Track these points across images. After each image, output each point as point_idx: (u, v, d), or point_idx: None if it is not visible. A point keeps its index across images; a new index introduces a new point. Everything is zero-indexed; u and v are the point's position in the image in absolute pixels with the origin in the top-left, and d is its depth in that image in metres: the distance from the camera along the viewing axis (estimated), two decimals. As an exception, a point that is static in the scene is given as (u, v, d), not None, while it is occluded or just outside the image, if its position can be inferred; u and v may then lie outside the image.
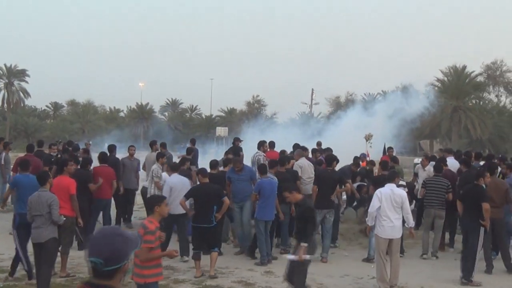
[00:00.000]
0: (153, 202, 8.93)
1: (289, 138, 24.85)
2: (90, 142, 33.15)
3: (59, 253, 12.17)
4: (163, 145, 20.08)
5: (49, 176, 11.35)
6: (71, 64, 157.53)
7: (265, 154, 18.00)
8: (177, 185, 14.27)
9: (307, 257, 10.15)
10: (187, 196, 12.95)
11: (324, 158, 17.71)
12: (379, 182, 14.60)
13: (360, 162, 19.47)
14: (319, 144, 22.18)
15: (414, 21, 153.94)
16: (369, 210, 12.27)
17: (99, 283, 3.36)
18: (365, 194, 16.07)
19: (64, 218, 11.45)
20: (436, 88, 66.33)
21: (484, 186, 12.68)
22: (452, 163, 17.11)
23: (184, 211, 13.57)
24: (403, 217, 12.11)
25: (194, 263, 12.65)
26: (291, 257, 10.63)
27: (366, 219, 12.56)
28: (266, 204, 14.01)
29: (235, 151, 19.61)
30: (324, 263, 14.25)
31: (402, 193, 12.37)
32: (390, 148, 23.20)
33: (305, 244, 10.11)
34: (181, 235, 14.45)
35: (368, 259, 14.33)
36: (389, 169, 15.03)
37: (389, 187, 12.24)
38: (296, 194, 10.97)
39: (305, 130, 38.18)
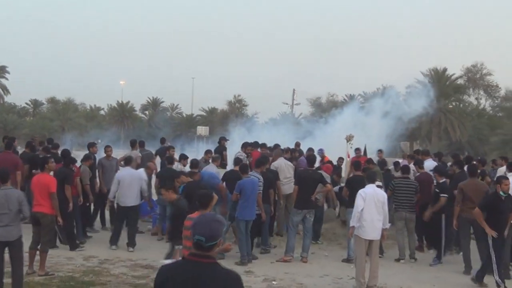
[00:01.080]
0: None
1: (278, 138, 24.84)
2: (99, 141, 32.90)
3: (38, 252, 12.12)
4: (142, 144, 20.03)
5: (8, 175, 11.04)
6: (52, 61, 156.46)
7: (245, 155, 18.04)
8: (125, 178, 15.01)
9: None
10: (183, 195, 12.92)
11: (305, 158, 17.72)
12: (352, 183, 14.74)
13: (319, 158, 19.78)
14: (297, 144, 22.17)
15: (394, 23, 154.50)
16: (353, 211, 12.21)
17: (202, 254, 4.51)
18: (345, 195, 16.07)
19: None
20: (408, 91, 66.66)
21: (502, 193, 12.32)
22: (429, 166, 17.22)
23: (135, 204, 14.93)
24: None
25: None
26: (167, 261, 10.17)
27: (351, 221, 12.47)
28: (247, 203, 14.00)
29: (220, 150, 19.61)
30: (304, 263, 14.26)
31: (384, 193, 12.50)
32: (380, 150, 23.33)
33: (180, 247, 9.77)
34: (132, 228, 15.12)
35: (348, 260, 14.36)
36: (362, 170, 15.11)
37: (372, 188, 12.28)
38: (171, 193, 10.59)
39: (297, 130, 38.20)
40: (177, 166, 16.93)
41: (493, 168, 19.93)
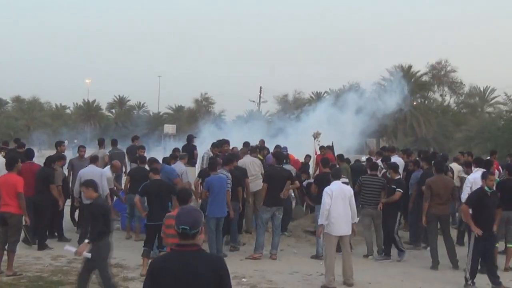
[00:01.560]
0: None
1: (250, 136, 24.82)
2: (75, 141, 32.66)
3: (5, 252, 12.03)
4: (114, 142, 19.94)
5: None
6: (16, 60, 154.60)
7: (211, 153, 18.07)
8: (86, 175, 14.82)
9: (88, 255, 9.57)
10: (140, 194, 12.83)
11: (272, 155, 17.76)
12: (320, 180, 14.82)
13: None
14: (261, 142, 22.16)
15: (358, 21, 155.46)
16: (321, 209, 12.24)
17: (187, 243, 5.04)
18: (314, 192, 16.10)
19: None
20: (382, 87, 67.04)
21: (487, 188, 12.27)
22: (397, 162, 17.41)
23: None
24: None
25: (142, 260, 12.49)
26: (69, 248, 10.11)
27: (318, 219, 12.52)
28: (216, 200, 13.99)
29: (188, 148, 19.56)
30: (273, 259, 14.32)
31: (350, 189, 12.60)
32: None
33: (87, 241, 9.65)
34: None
35: (317, 256, 14.42)
36: (331, 167, 15.20)
37: (337, 184, 12.36)
38: (91, 191, 10.22)
39: (269, 127, 38.07)
40: (179, 165, 16.57)
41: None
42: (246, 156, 17.21)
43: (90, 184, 10.23)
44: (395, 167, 15.43)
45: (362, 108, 35.39)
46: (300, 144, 24.22)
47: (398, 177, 15.19)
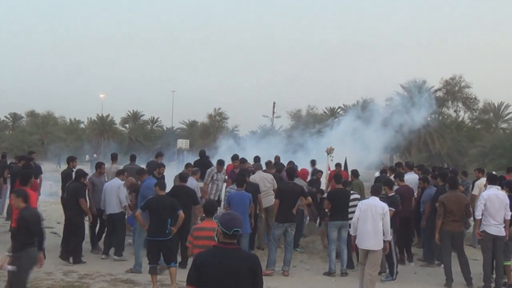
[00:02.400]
0: None
1: (269, 151, 24.69)
2: (95, 155, 32.69)
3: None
4: (133, 158, 19.95)
5: None
6: (31, 75, 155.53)
7: (217, 171, 17.98)
8: (107, 187, 15.72)
9: (11, 267, 9.30)
10: (142, 208, 12.77)
11: (286, 171, 17.67)
12: (333, 196, 14.78)
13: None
14: (277, 158, 22.10)
15: (374, 36, 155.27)
16: (351, 221, 12.65)
17: (229, 242, 6.00)
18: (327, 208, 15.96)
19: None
20: (410, 100, 66.76)
21: None
22: (410, 178, 17.31)
23: (115, 212, 15.47)
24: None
25: (151, 277, 12.38)
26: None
27: (350, 230, 12.83)
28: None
29: (202, 163, 19.38)
30: (285, 276, 14.23)
31: (384, 205, 12.51)
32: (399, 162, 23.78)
33: (10, 254, 9.45)
34: (116, 236, 15.63)
35: (330, 273, 14.36)
36: (343, 183, 15.20)
37: (371, 199, 12.53)
38: (20, 201, 9.67)
39: (288, 142, 37.49)
40: (191, 181, 16.41)
41: (463, 179, 20.12)
42: (258, 172, 17.15)
43: (20, 193, 10.00)
44: (389, 183, 15.13)
45: (388, 122, 34.87)
46: (320, 160, 23.96)
47: (392, 194, 14.80)
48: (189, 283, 6.01)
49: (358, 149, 28.40)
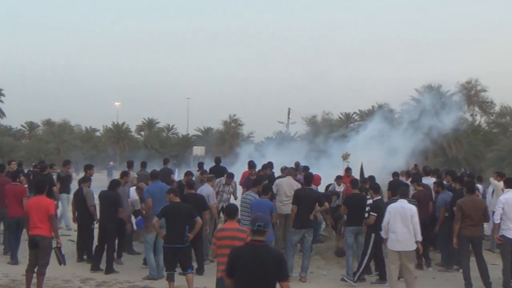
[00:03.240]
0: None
1: (294, 157, 24.52)
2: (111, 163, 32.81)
3: (34, 274, 12.03)
4: (143, 165, 20.03)
5: None
6: (47, 84, 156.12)
7: (225, 183, 17.88)
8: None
9: None
10: (159, 216, 12.72)
11: (303, 177, 17.60)
12: (349, 202, 14.77)
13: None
14: (296, 164, 22.04)
15: (388, 40, 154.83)
16: (382, 224, 12.93)
17: (259, 239, 7.20)
18: (343, 213, 15.88)
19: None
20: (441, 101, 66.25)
21: None
22: (426, 183, 17.23)
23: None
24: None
25: (168, 284, 12.39)
26: None
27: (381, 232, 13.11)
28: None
29: (217, 169, 19.33)
30: (303, 282, 14.20)
31: (412, 207, 12.77)
32: (415, 165, 23.89)
33: None
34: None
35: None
36: (360, 188, 15.42)
37: (400, 202, 12.82)
38: None
39: (311, 149, 36.75)
40: (206, 187, 16.32)
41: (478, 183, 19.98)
42: (288, 177, 16.75)
43: None
44: (375, 187, 14.90)
45: (416, 125, 34.30)
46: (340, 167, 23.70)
47: (377, 198, 14.53)
48: (228, 275, 7.21)
49: (384, 153, 28.05)
